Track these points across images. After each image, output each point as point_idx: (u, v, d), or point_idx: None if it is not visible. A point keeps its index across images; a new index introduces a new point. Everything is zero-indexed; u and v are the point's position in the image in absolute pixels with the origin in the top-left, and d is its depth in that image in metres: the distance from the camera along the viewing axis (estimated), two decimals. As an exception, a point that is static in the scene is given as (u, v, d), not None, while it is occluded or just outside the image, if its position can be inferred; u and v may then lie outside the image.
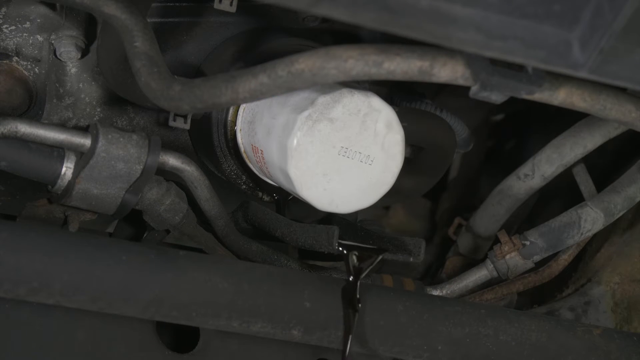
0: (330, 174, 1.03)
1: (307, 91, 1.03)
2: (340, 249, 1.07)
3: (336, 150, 1.03)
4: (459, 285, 1.35)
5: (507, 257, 1.31)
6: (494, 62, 0.81)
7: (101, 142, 1.03)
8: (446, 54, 0.82)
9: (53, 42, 1.13)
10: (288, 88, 0.83)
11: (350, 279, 1.05)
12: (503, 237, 1.32)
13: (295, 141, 1.01)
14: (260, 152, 1.09)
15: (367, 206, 1.06)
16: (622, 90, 0.89)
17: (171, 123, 1.12)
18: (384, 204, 1.12)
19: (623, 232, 1.45)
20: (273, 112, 1.07)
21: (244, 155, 1.16)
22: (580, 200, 1.31)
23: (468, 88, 0.84)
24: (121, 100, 1.18)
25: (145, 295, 0.96)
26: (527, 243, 1.30)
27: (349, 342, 1.02)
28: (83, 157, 1.04)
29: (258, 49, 1.20)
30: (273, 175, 1.09)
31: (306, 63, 0.82)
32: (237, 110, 1.16)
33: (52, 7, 1.10)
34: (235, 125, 1.16)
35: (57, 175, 1.04)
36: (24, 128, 1.02)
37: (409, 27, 0.73)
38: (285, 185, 1.07)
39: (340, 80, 0.82)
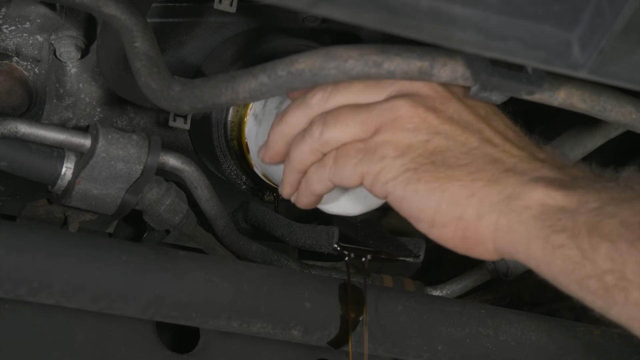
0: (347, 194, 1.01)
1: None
2: (340, 249, 1.07)
3: None
4: (459, 285, 1.35)
5: (507, 257, 1.31)
6: (494, 62, 0.81)
7: (101, 142, 1.03)
8: (446, 54, 0.82)
9: (53, 42, 1.13)
10: (288, 88, 0.83)
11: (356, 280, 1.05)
12: (503, 237, 1.32)
13: None
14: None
15: (379, 205, 1.05)
16: (622, 92, 0.89)
17: (171, 123, 1.12)
18: (385, 204, 1.11)
19: (623, 232, 1.45)
20: (270, 107, 1.06)
21: (248, 157, 1.16)
22: (580, 200, 1.31)
23: (468, 88, 0.85)
24: (121, 101, 1.18)
25: (145, 295, 0.96)
26: (527, 243, 1.30)
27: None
28: (83, 157, 1.04)
29: (258, 49, 1.20)
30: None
31: (306, 63, 0.82)
32: (242, 116, 1.15)
33: (52, 7, 1.10)
34: (234, 125, 1.16)
35: (57, 175, 1.04)
36: (24, 128, 1.02)
37: (409, 27, 0.73)
38: None
39: (340, 81, 0.82)
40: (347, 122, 0.87)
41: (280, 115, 0.93)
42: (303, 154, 0.90)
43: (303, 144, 0.89)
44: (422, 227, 0.84)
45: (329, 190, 0.91)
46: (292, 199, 0.95)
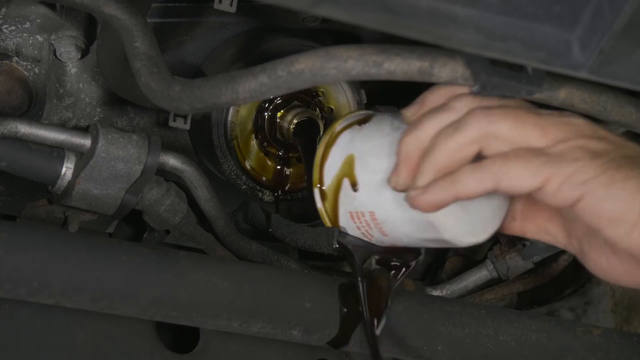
0: (465, 208, 0.89)
1: (393, 134, 0.89)
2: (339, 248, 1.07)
3: None
4: (459, 285, 1.35)
5: (507, 257, 1.31)
6: (494, 62, 0.81)
7: (101, 142, 1.03)
8: (446, 54, 0.82)
9: (53, 42, 1.13)
10: (288, 88, 0.83)
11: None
12: (503, 237, 1.32)
13: None
14: (368, 214, 0.94)
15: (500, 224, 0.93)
16: (623, 92, 0.89)
17: (171, 123, 1.12)
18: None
19: (623, 232, 1.45)
20: (372, 167, 0.92)
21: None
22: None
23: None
24: (121, 101, 1.18)
25: (145, 296, 0.96)
26: (527, 243, 1.30)
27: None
28: (83, 157, 1.04)
29: (258, 49, 1.20)
30: (396, 231, 0.94)
31: (306, 63, 0.82)
32: (243, 116, 1.14)
33: (52, 7, 1.10)
34: (234, 125, 1.15)
35: (57, 175, 1.04)
36: (24, 128, 1.02)
37: (409, 27, 0.73)
38: (418, 237, 0.94)
39: (340, 80, 0.82)
40: (525, 121, 0.79)
41: (411, 126, 0.83)
42: (458, 144, 0.79)
43: (458, 134, 0.79)
44: (622, 230, 0.78)
45: (481, 195, 0.79)
46: (413, 194, 0.81)
